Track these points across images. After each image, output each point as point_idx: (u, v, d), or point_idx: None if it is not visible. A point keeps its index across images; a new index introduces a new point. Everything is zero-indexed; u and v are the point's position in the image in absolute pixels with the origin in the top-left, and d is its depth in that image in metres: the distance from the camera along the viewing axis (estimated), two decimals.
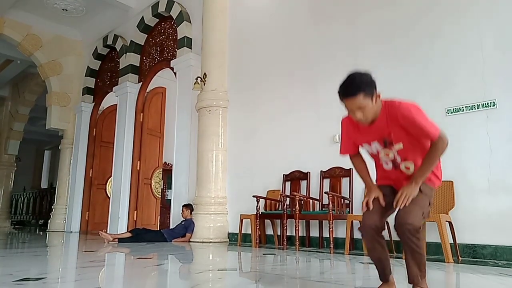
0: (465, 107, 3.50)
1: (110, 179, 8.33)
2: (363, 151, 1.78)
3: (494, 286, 2.11)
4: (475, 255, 3.25)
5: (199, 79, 5.74)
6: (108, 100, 9.02)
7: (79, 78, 9.57)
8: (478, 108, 3.43)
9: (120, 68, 8.12)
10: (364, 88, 1.49)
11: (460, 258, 3.23)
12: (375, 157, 1.72)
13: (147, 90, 7.81)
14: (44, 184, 17.84)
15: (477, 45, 3.54)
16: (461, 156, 3.47)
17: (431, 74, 3.80)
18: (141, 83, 7.77)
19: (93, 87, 9.44)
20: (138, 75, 7.91)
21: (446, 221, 3.21)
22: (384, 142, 1.63)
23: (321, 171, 4.52)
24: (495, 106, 3.34)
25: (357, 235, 3.78)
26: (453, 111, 3.58)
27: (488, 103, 3.38)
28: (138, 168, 7.50)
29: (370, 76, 1.54)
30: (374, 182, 1.74)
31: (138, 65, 7.94)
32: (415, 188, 1.54)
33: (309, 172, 4.66)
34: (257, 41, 5.69)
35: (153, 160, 7.77)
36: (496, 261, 3.06)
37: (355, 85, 1.49)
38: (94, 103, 9.30)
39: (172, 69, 6.79)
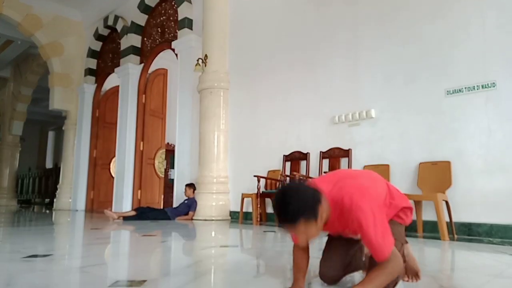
0: (465, 88, 3.50)
1: (114, 159, 8.43)
2: None
3: (488, 263, 2.17)
4: (470, 233, 3.32)
5: (200, 60, 5.72)
6: (110, 82, 9.01)
7: (80, 59, 9.53)
8: (477, 89, 3.42)
9: (122, 49, 8.07)
10: (304, 214, 1.17)
11: (455, 236, 3.30)
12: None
13: (148, 72, 7.80)
14: (49, 164, 18.03)
15: (479, 25, 3.51)
16: (460, 136, 3.49)
17: (432, 55, 3.77)
18: (143, 64, 7.74)
19: (95, 68, 9.41)
20: (140, 56, 7.88)
21: (443, 200, 3.27)
22: (340, 235, 1.47)
23: (320, 151, 4.56)
24: (495, 87, 3.33)
25: None
26: (453, 92, 3.58)
27: (488, 84, 3.37)
28: (141, 149, 7.58)
29: (311, 192, 1.20)
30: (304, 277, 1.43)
31: (140, 46, 7.89)
32: None
33: (309, 153, 4.70)
34: (257, 22, 5.63)
35: (156, 140, 7.83)
36: (491, 239, 3.13)
37: (293, 212, 1.16)
38: (96, 85, 9.29)
39: (173, 50, 6.75)
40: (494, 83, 3.34)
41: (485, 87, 3.38)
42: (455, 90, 3.57)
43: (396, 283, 1.34)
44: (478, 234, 3.27)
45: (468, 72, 3.51)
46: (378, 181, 1.42)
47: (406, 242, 1.53)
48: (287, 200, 1.17)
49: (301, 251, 1.43)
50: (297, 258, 1.43)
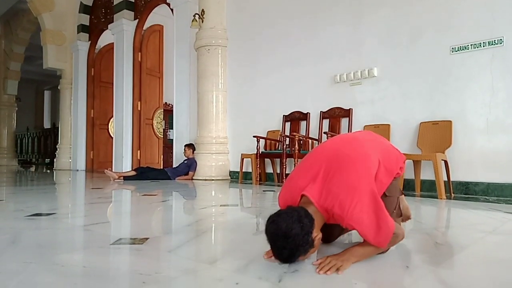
0: (471, 45, 3.39)
1: (111, 119, 8.38)
2: None
3: (483, 220, 2.22)
4: (467, 191, 3.37)
5: (197, 16, 5.50)
6: (105, 39, 8.75)
7: (72, 15, 9.18)
8: (484, 46, 3.32)
9: (114, 4, 7.75)
10: (301, 252, 1.16)
11: (452, 194, 3.36)
12: None
13: (143, 28, 7.54)
14: (46, 124, 17.99)
15: None
16: (462, 96, 3.45)
17: (437, 10, 3.63)
18: (137, 20, 7.47)
19: (88, 24, 9.09)
20: (134, 12, 7.58)
21: (442, 159, 3.29)
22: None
23: (320, 111, 4.52)
24: (502, 44, 3.23)
25: None
26: (458, 50, 3.48)
27: (495, 40, 3.27)
28: (139, 109, 7.51)
29: (300, 226, 1.13)
30: None
31: (133, 1, 7.58)
32: (348, 260, 1.20)
33: (309, 113, 4.66)
34: None
35: (154, 100, 7.74)
36: (487, 197, 3.19)
37: (289, 255, 1.15)
38: (90, 42, 9.03)
39: (168, 5, 6.48)
40: (501, 39, 3.23)
41: (492, 44, 3.28)
42: (460, 47, 3.47)
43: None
44: (475, 193, 3.32)
45: (474, 28, 3.39)
46: (371, 158, 1.33)
47: (402, 194, 1.53)
48: (279, 245, 1.14)
49: None
50: None
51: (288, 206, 1.25)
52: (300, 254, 1.16)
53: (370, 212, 1.20)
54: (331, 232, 1.48)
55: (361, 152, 1.33)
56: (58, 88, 9.86)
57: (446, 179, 3.33)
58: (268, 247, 1.20)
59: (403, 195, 1.58)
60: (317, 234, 1.19)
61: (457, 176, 3.41)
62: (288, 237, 1.11)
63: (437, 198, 3.14)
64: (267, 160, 5.07)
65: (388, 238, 1.22)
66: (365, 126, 4.06)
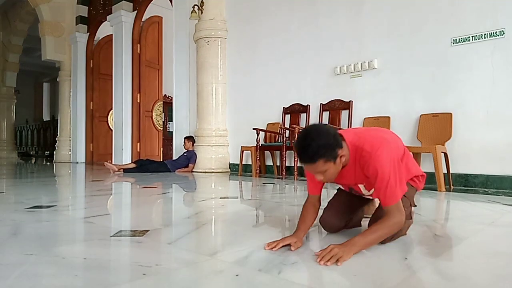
0: (472, 36, 3.37)
1: (111, 111, 8.36)
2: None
3: (482, 212, 2.23)
4: (466, 184, 3.38)
5: (196, 7, 5.45)
6: (103, 30, 8.68)
7: (70, 6, 9.10)
8: (485, 38, 3.30)
9: None
10: (324, 154, 1.22)
11: (452, 187, 3.36)
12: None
13: (142, 20, 7.48)
14: (46, 117, 17.95)
15: None
16: (463, 88, 3.43)
17: (438, 1, 3.60)
18: (136, 11, 7.41)
19: (87, 16, 9.02)
20: (133, 3, 7.51)
21: (442, 152, 3.29)
22: (351, 189, 1.52)
23: (320, 103, 4.50)
24: (503, 36, 3.21)
25: None
26: (459, 41, 3.46)
27: (496, 32, 3.24)
28: (138, 101, 7.49)
29: (332, 133, 1.25)
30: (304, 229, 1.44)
31: None
32: (350, 251, 1.20)
33: (309, 105, 4.65)
34: None
35: (153, 92, 7.72)
36: (486, 189, 3.20)
37: (313, 151, 1.21)
38: (88, 33, 8.97)
39: None
40: (503, 31, 3.21)
41: (493, 35, 3.26)
42: (461, 39, 3.44)
43: (393, 237, 1.39)
44: (474, 185, 3.33)
45: (475, 19, 3.36)
46: (399, 141, 1.47)
47: (415, 205, 1.55)
48: (309, 139, 1.22)
49: (311, 207, 1.48)
50: (305, 211, 1.48)
51: None
52: (324, 154, 1.22)
53: (395, 163, 1.29)
54: (338, 219, 1.52)
55: (393, 134, 1.48)
56: (57, 80, 9.83)
57: (445, 171, 3.34)
58: (269, 238, 1.20)
59: (414, 208, 1.58)
60: (342, 155, 1.27)
61: (456, 168, 3.41)
62: (321, 132, 1.23)
63: (436, 190, 3.15)
64: (267, 153, 5.07)
65: (401, 193, 1.29)
66: (365, 118, 4.06)
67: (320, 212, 1.56)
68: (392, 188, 1.27)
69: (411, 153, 1.57)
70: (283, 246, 1.32)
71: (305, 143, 1.23)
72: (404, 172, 1.41)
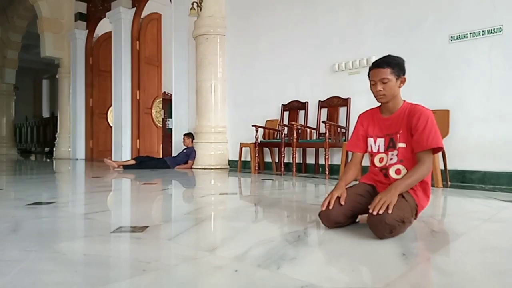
0: (470, 33, 3.37)
1: (110, 108, 8.36)
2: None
3: (479, 208, 2.24)
4: (463, 180, 3.39)
5: (195, 4, 5.44)
6: (102, 27, 8.66)
7: (69, 2, 9.07)
8: (483, 35, 3.30)
9: None
10: (394, 66, 1.57)
11: (449, 183, 3.37)
12: (373, 155, 1.74)
13: (141, 16, 7.47)
14: (45, 113, 17.92)
15: None
16: (461, 84, 3.44)
17: None
18: (135, 8, 7.39)
19: (86, 12, 8.99)
20: (132, 0, 7.48)
21: None
22: (389, 141, 1.66)
23: (319, 100, 4.51)
24: (501, 32, 3.21)
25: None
26: (457, 38, 3.46)
27: (494, 29, 3.25)
28: (137, 98, 7.48)
29: (404, 61, 1.63)
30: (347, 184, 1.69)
31: None
32: (394, 195, 1.42)
33: (307, 102, 4.65)
34: None
35: (152, 89, 7.71)
36: (483, 186, 3.21)
37: (387, 61, 1.58)
38: (88, 30, 8.94)
39: None
40: (500, 27, 3.21)
41: (491, 32, 3.26)
42: (459, 35, 3.44)
43: (392, 234, 1.41)
44: (471, 181, 3.34)
45: (473, 16, 3.36)
46: None
47: (415, 218, 1.60)
48: (388, 55, 1.61)
49: (353, 164, 1.76)
50: (348, 167, 1.75)
51: None
52: (395, 66, 1.57)
53: (436, 125, 1.57)
54: (343, 210, 1.56)
55: None
56: (56, 77, 9.80)
57: (443, 167, 3.35)
58: (268, 234, 1.18)
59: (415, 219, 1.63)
60: (404, 80, 1.62)
61: (454, 164, 3.42)
62: (396, 56, 1.63)
63: (433, 186, 3.16)
64: (266, 149, 5.08)
65: (438, 141, 1.52)
66: None
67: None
68: (437, 132, 1.54)
69: None
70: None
71: (384, 57, 1.60)
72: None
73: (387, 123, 1.67)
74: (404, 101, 1.67)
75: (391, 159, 1.65)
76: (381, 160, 1.69)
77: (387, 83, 1.58)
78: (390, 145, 1.65)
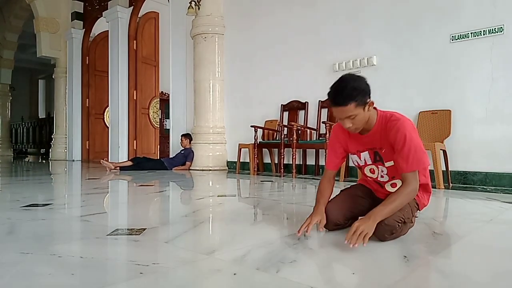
0: (471, 33, 3.36)
1: (107, 108, 8.32)
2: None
3: (480, 210, 2.23)
4: (465, 181, 3.38)
5: (193, 3, 5.42)
6: (99, 26, 8.63)
7: (66, 2, 9.04)
8: (484, 35, 3.29)
9: None
10: (356, 97, 1.33)
11: (451, 184, 3.36)
12: (361, 168, 1.62)
13: (139, 15, 7.44)
14: (41, 114, 17.83)
15: None
16: (462, 85, 3.43)
17: None
18: (132, 7, 7.36)
19: (82, 12, 8.95)
20: None
21: (441, 149, 3.28)
22: (374, 155, 1.52)
23: (319, 101, 4.49)
24: (502, 32, 3.21)
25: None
26: (458, 38, 3.45)
27: (495, 28, 3.24)
28: (134, 98, 7.45)
29: (364, 82, 1.38)
30: (325, 204, 1.57)
31: None
32: (371, 225, 1.29)
33: (307, 102, 4.64)
34: None
35: (150, 89, 7.68)
36: (485, 187, 3.20)
37: (348, 95, 1.32)
38: (84, 30, 8.90)
39: None
40: (501, 27, 3.20)
41: (492, 32, 3.25)
42: (460, 35, 3.43)
43: (393, 236, 1.39)
44: (473, 182, 3.33)
45: (474, 16, 3.35)
46: None
47: (417, 216, 1.58)
48: (344, 82, 1.35)
49: (327, 182, 1.62)
50: (322, 186, 1.61)
51: None
52: (357, 96, 1.32)
53: (417, 137, 1.41)
54: (339, 214, 1.54)
55: None
56: (53, 77, 9.76)
57: (444, 168, 3.33)
58: (267, 237, 1.18)
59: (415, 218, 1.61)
60: (372, 103, 1.39)
61: (456, 165, 3.41)
62: (355, 78, 1.36)
63: (435, 187, 3.14)
64: (265, 150, 5.06)
65: (420, 164, 1.37)
66: None
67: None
68: (418, 152, 1.37)
69: None
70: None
71: (340, 86, 1.34)
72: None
73: (366, 140, 1.51)
74: (378, 111, 1.47)
75: (382, 176, 1.55)
76: (372, 171, 1.58)
77: (355, 118, 1.38)
78: (377, 158, 1.52)
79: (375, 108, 1.46)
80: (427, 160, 1.42)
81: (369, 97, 1.38)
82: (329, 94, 1.39)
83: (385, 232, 1.35)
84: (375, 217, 1.30)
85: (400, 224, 1.38)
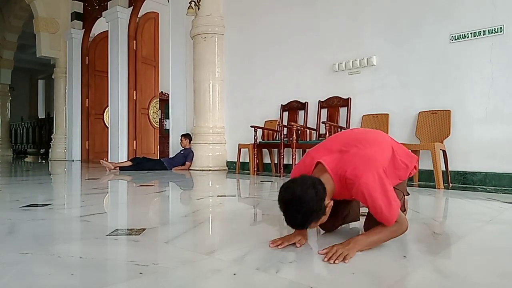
0: (471, 33, 3.37)
1: (107, 109, 8.31)
2: None
3: (480, 210, 2.23)
4: (465, 181, 3.38)
5: (193, 3, 5.42)
6: (99, 26, 8.62)
7: (65, 2, 9.04)
8: (484, 35, 3.29)
9: None
10: (312, 219, 1.19)
11: (450, 184, 3.36)
12: None
13: (138, 16, 7.44)
14: (41, 114, 17.82)
15: None
16: (462, 85, 3.43)
17: None
18: (132, 7, 7.36)
19: (82, 12, 8.95)
20: None
21: (440, 149, 3.28)
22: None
23: (319, 101, 4.49)
24: (502, 32, 3.21)
25: None
26: (457, 38, 3.45)
27: (495, 29, 3.24)
28: (134, 98, 7.45)
29: (314, 195, 1.16)
30: None
31: None
32: (352, 249, 1.20)
33: (307, 102, 4.64)
34: None
35: (149, 89, 7.68)
36: (485, 187, 3.20)
37: (304, 220, 1.18)
38: (84, 30, 8.90)
39: None
40: (501, 27, 3.21)
41: (492, 32, 3.25)
42: (460, 35, 3.44)
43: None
44: (473, 183, 3.33)
45: (474, 16, 3.35)
46: (386, 145, 1.41)
47: (408, 194, 1.56)
48: (293, 211, 1.18)
49: None
50: None
51: (302, 174, 1.28)
52: (313, 220, 1.19)
53: (382, 184, 1.23)
54: (334, 220, 1.48)
55: (374, 137, 1.43)
56: (52, 77, 9.75)
57: (444, 168, 3.34)
58: (267, 237, 1.19)
59: (407, 196, 1.59)
60: (329, 202, 1.24)
61: (455, 166, 3.41)
62: (303, 201, 1.15)
63: (435, 188, 3.15)
64: (265, 150, 5.06)
65: (396, 215, 1.25)
66: (364, 115, 4.05)
67: None
68: (386, 213, 1.23)
69: (401, 146, 1.49)
70: (288, 245, 1.31)
71: (291, 215, 1.19)
72: (394, 179, 1.39)
73: (337, 200, 1.38)
74: (330, 175, 1.28)
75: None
76: None
77: (319, 223, 1.27)
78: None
79: (325, 171, 1.28)
80: (396, 207, 1.25)
81: (324, 201, 1.20)
82: (285, 216, 1.22)
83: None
84: (355, 244, 1.22)
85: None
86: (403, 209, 1.48)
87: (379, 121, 3.86)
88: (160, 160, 5.68)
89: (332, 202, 1.26)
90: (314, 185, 1.18)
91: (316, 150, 1.43)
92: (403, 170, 1.43)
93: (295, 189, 1.17)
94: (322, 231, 1.55)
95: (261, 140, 4.86)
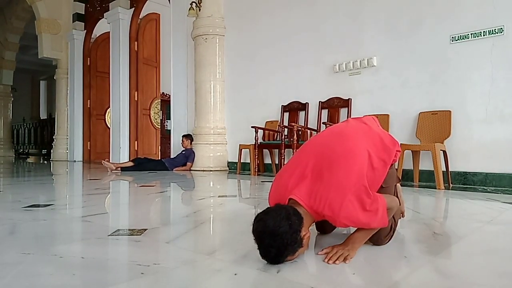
0: (471, 34, 3.37)
1: (108, 109, 8.33)
2: None
3: (480, 210, 2.23)
4: (465, 182, 3.38)
5: (194, 4, 5.43)
6: (100, 28, 8.65)
7: (67, 3, 9.06)
8: (484, 35, 3.29)
9: None
10: (288, 253, 1.11)
11: (451, 185, 3.36)
12: None
13: (140, 17, 7.46)
14: (43, 115, 17.87)
15: None
16: (462, 85, 3.43)
17: None
18: (134, 8, 7.38)
19: (83, 13, 8.98)
20: (130, 0, 7.48)
21: (441, 150, 3.28)
22: None
23: (319, 101, 4.50)
24: (502, 33, 3.21)
25: None
26: (458, 39, 3.45)
27: (495, 29, 3.24)
28: (136, 99, 7.47)
29: (287, 229, 1.08)
30: None
31: None
32: (352, 249, 1.20)
33: (308, 103, 4.64)
34: None
35: (151, 90, 7.69)
36: (485, 187, 3.20)
37: (277, 254, 1.10)
38: (86, 31, 8.92)
39: None
40: (502, 28, 3.21)
41: (492, 33, 3.25)
42: (460, 36, 3.44)
43: (391, 236, 1.36)
44: (473, 183, 3.33)
45: (474, 17, 3.35)
46: (360, 153, 1.26)
47: (399, 181, 1.50)
48: (266, 244, 1.09)
49: None
50: None
51: (277, 204, 1.20)
52: (288, 254, 1.11)
53: (361, 202, 1.17)
54: (328, 224, 1.46)
55: (347, 147, 1.27)
56: (54, 78, 9.78)
57: (444, 169, 3.34)
58: None
59: (399, 183, 1.53)
60: (306, 233, 1.15)
61: (455, 166, 3.41)
62: (276, 235, 1.07)
63: (435, 188, 3.15)
64: (266, 151, 5.07)
65: (386, 217, 1.21)
66: (364, 116, 4.04)
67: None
68: (375, 223, 1.20)
69: (377, 141, 1.37)
70: None
71: (264, 249, 1.11)
72: (376, 181, 1.32)
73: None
74: (307, 210, 1.19)
75: None
76: None
77: (297, 256, 1.17)
78: None
79: (303, 205, 1.19)
80: (383, 218, 1.20)
81: (300, 232, 1.11)
82: (257, 242, 1.13)
83: (379, 237, 1.31)
84: (354, 243, 1.22)
85: (390, 219, 1.30)
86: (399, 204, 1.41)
87: (379, 121, 3.85)
88: (162, 160, 5.69)
89: (309, 233, 1.18)
90: (289, 216, 1.10)
91: (289, 172, 1.30)
92: (381, 169, 1.34)
93: (268, 222, 1.08)
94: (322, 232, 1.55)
95: (262, 141, 4.86)
